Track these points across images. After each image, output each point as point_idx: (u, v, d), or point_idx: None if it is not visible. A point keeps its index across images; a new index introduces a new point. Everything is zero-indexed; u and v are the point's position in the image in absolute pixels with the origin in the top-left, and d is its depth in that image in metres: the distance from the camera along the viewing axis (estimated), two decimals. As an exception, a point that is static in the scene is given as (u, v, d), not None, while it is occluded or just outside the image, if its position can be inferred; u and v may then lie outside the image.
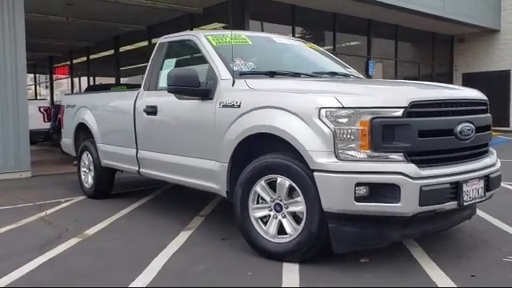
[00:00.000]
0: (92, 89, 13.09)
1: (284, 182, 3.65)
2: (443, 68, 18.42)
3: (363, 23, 15.30)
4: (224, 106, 4.11)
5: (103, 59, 18.71)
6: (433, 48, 18.00)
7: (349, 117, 3.31)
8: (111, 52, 17.64)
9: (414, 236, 3.83)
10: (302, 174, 3.51)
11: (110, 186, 6.54)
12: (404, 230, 3.51)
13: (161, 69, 5.17)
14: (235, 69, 4.32)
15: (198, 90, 4.29)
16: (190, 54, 5.05)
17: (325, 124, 3.35)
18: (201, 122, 4.37)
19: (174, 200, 6.40)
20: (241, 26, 12.06)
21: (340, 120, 3.33)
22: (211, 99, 4.27)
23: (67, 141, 7.12)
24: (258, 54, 4.77)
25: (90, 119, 6.32)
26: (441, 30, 17.14)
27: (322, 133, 3.36)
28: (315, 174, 3.38)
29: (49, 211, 5.84)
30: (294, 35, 12.99)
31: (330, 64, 5.20)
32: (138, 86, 5.51)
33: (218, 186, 4.23)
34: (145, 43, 15.83)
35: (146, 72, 5.35)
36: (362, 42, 15.70)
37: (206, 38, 4.69)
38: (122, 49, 17.21)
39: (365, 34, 15.55)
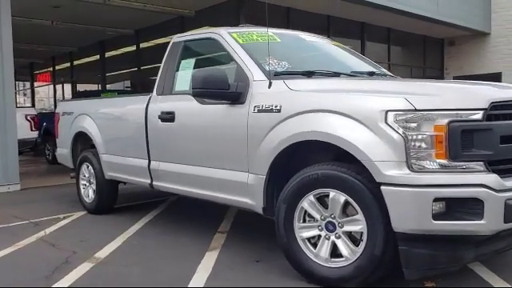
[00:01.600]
0: (82, 95, 12.40)
1: (338, 197, 3.15)
2: (434, 71, 18.19)
3: (357, 26, 14.96)
4: (260, 110, 3.59)
5: (87, 65, 17.98)
6: (424, 51, 17.77)
7: (422, 121, 2.84)
8: (96, 57, 16.93)
9: (488, 256, 3.37)
10: (362, 187, 3.02)
11: (114, 200, 5.96)
12: (478, 249, 3.03)
13: (177, 71, 4.63)
14: (268, 69, 3.82)
15: (228, 93, 3.78)
16: (210, 53, 4.53)
17: (393, 129, 2.87)
18: (230, 129, 3.85)
19: (185, 214, 5.84)
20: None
21: (411, 125, 2.85)
22: (242, 103, 3.76)
23: (63, 151, 6.50)
24: (289, 53, 4.28)
25: (91, 127, 5.73)
26: (432, 32, 16.92)
27: (390, 140, 2.87)
28: (383, 188, 2.88)
29: (48, 230, 5.24)
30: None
31: (363, 63, 4.74)
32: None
33: (252, 201, 3.71)
34: (132, 48, 15.20)
35: (159, 75, 4.80)
36: (355, 46, 15.33)
37: (230, 36, 4.18)
38: (108, 54, 16.51)
39: (358, 37, 15.21)
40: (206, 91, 3.75)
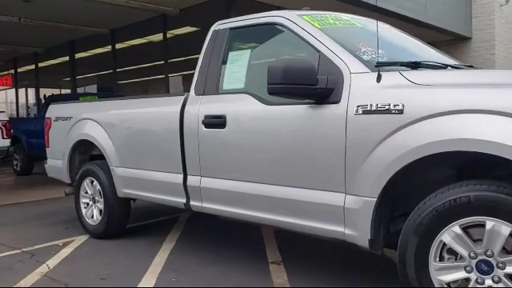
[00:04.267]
0: (56, 99, 11.10)
1: (500, 227, 2.30)
2: (415, 76, 17.80)
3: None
4: (367, 111, 2.71)
5: (54, 67, 16.56)
6: (405, 55, 17.35)
7: None
8: (65, 59, 15.57)
9: None
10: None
11: (125, 223, 4.92)
12: None
13: (223, 65, 3.68)
14: (365, 58, 2.96)
15: (316, 89, 2.88)
16: (271, 41, 3.59)
17: None
18: (316, 136, 2.95)
19: (213, 237, 4.86)
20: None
21: None
22: (336, 102, 2.87)
23: (57, 163, 5.40)
24: (373, 41, 3.40)
25: (99, 135, 4.68)
26: (416, 35, 16.47)
27: None
28: None
29: (50, 263, 4.17)
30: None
31: (439, 53, 3.93)
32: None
33: (352, 232, 2.82)
34: (107, 48, 14.00)
35: (197, 71, 3.85)
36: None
37: (303, 19, 3.29)
38: (79, 55, 15.19)
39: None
40: (288, 87, 2.84)
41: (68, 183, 5.37)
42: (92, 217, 4.96)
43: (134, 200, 4.84)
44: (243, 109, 3.40)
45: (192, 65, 12.24)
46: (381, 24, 3.92)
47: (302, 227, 3.09)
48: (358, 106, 2.75)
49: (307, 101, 2.98)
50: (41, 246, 4.73)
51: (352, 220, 2.81)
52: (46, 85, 17.60)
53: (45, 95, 16.92)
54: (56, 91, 17.39)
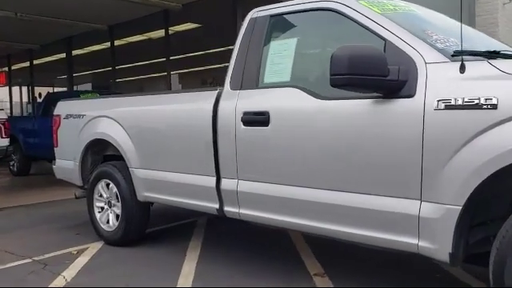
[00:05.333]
0: (57, 97, 10.61)
1: None
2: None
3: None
4: (450, 106, 2.34)
5: (50, 65, 16.03)
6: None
7: None
8: (61, 56, 15.05)
9: None
10: None
11: (145, 229, 4.51)
12: None
13: (264, 55, 3.29)
14: (440, 46, 2.60)
15: (387, 81, 2.50)
16: (323, 29, 3.19)
17: None
18: (384, 135, 2.58)
19: (239, 244, 4.47)
20: (233, 25, 10.23)
21: None
22: (409, 96, 2.49)
23: (67, 164, 4.97)
24: (436, 28, 3.02)
25: (117, 134, 4.27)
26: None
27: None
28: None
29: (66, 274, 3.77)
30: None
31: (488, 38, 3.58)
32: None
33: (430, 244, 2.45)
34: (105, 45, 13.53)
35: (233, 63, 3.46)
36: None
37: (361, 4, 2.91)
38: (75, 52, 14.68)
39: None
40: (355, 79, 2.45)
41: (79, 186, 4.93)
42: (107, 222, 4.55)
43: (152, 204, 4.44)
44: (291, 104, 3.02)
45: (194, 62, 11.80)
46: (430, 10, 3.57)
47: (365, 238, 2.72)
48: (439, 101, 2.38)
49: (373, 95, 2.61)
50: (53, 254, 4.33)
51: (429, 231, 2.44)
52: (42, 83, 17.07)
53: (40, 93, 16.45)
54: (51, 89, 16.91)
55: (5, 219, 5.98)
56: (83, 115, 4.69)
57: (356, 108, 2.69)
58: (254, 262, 3.87)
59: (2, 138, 8.06)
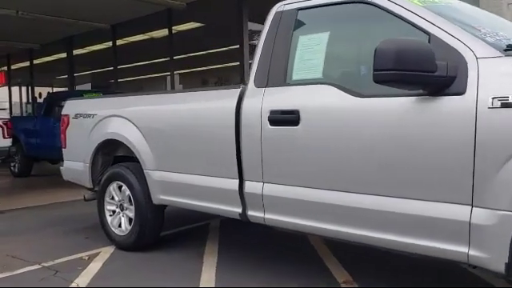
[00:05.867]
0: (55, 97, 10.40)
1: None
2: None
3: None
4: (508, 104, 2.14)
5: (51, 64, 15.78)
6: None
7: None
8: (62, 55, 14.81)
9: None
10: None
11: (159, 233, 4.31)
12: None
13: (291, 51, 3.09)
14: (490, 40, 2.41)
15: (436, 77, 2.31)
16: (357, 22, 2.98)
17: None
18: (430, 135, 2.39)
19: (257, 248, 4.27)
20: (239, 27, 10.06)
21: None
22: (460, 94, 2.30)
23: (76, 166, 4.76)
24: (480, 21, 2.83)
25: (131, 134, 4.06)
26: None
27: None
28: None
29: (79, 282, 3.57)
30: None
31: None
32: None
33: (483, 253, 2.26)
34: (107, 45, 13.31)
35: (257, 60, 3.26)
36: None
37: (400, -4, 2.71)
38: (77, 52, 14.44)
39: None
40: (401, 74, 2.26)
41: (88, 188, 4.72)
42: (119, 226, 4.34)
43: (165, 206, 4.24)
44: (323, 102, 2.82)
45: (198, 62, 11.57)
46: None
47: (408, 246, 2.52)
48: (494, 98, 2.19)
49: (417, 92, 2.41)
50: (63, 259, 4.12)
51: (481, 239, 2.25)
52: (41, 83, 16.83)
53: (40, 93, 16.22)
54: (50, 89, 16.67)
55: (8, 222, 5.77)
56: (94, 115, 4.49)
57: (399, 106, 2.50)
58: (276, 269, 3.67)
59: (4, 138, 7.84)
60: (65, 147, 4.93)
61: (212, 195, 3.51)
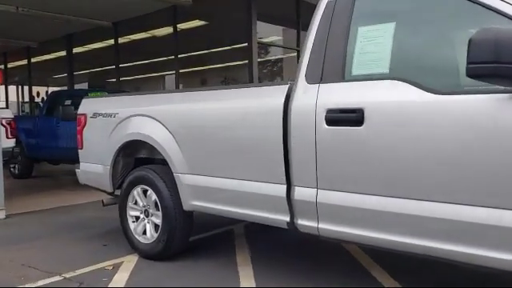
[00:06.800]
0: (58, 96, 10.01)
1: None
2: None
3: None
4: None
5: (49, 63, 15.33)
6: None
7: None
8: (60, 54, 14.38)
9: None
10: None
11: (187, 241, 3.98)
12: None
13: (349, 43, 2.78)
14: None
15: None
16: (427, 11, 2.66)
17: None
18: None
19: (293, 256, 3.97)
20: (248, 24, 9.73)
21: None
22: None
23: (95, 168, 4.41)
24: None
25: (159, 135, 3.73)
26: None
27: None
28: None
29: (109, 296, 3.22)
30: (299, 32, 10.79)
31: None
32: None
33: None
34: (109, 43, 12.92)
35: (308, 53, 2.95)
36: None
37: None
38: (76, 50, 14.02)
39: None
40: (504, 68, 1.97)
41: (109, 192, 4.38)
42: (144, 233, 4.00)
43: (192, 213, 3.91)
44: (393, 100, 2.52)
45: (205, 60, 11.18)
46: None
47: (490, 261, 2.22)
48: None
49: (508, 89, 2.12)
50: (85, 269, 3.78)
51: None
52: (39, 82, 16.37)
53: (38, 92, 15.77)
54: (47, 88, 16.24)
55: (17, 227, 5.40)
56: (115, 114, 4.15)
57: (491, 105, 2.19)
58: (321, 280, 3.36)
59: (8, 138, 7.44)
60: (81, 148, 4.58)
61: (254, 202, 3.19)
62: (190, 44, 11.59)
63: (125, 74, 13.15)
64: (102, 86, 13.68)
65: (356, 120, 2.61)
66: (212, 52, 11.55)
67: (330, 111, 2.73)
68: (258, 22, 9.80)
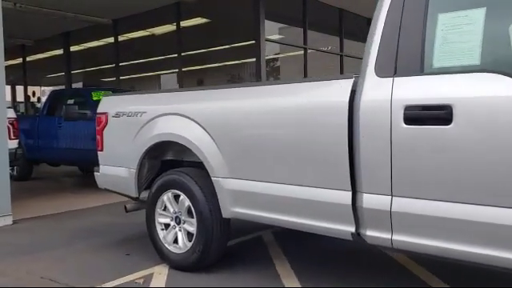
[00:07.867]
0: (58, 94, 9.54)
1: None
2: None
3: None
4: None
5: (45, 62, 14.81)
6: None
7: None
8: (57, 52, 13.88)
9: None
10: None
11: (224, 250, 3.60)
12: None
13: (428, 31, 2.44)
14: None
15: None
16: None
17: None
18: None
19: (337, 266, 3.62)
20: (255, 21, 9.37)
21: None
22: None
23: (118, 172, 4.01)
24: None
25: (196, 136, 3.35)
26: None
27: None
28: None
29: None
30: (305, 35, 10.42)
31: None
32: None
33: None
34: (108, 41, 12.47)
35: (377, 43, 2.60)
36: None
37: None
38: (73, 48, 13.53)
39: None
40: None
41: (133, 197, 3.99)
42: (175, 242, 3.62)
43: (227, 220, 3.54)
44: (490, 95, 2.17)
45: (208, 58, 10.78)
46: None
47: None
48: None
49: None
50: (113, 284, 3.40)
51: None
52: (34, 81, 15.82)
53: (34, 92, 15.24)
54: (44, 88, 15.71)
55: (27, 234, 4.98)
56: (143, 112, 3.75)
57: None
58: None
59: (11, 139, 6.97)
60: (101, 150, 4.17)
61: (311, 210, 2.83)
62: (193, 42, 11.19)
63: (125, 73, 12.71)
64: (99, 85, 13.21)
65: (443, 118, 2.27)
66: (218, 50, 11.16)
67: (409, 108, 2.38)
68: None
